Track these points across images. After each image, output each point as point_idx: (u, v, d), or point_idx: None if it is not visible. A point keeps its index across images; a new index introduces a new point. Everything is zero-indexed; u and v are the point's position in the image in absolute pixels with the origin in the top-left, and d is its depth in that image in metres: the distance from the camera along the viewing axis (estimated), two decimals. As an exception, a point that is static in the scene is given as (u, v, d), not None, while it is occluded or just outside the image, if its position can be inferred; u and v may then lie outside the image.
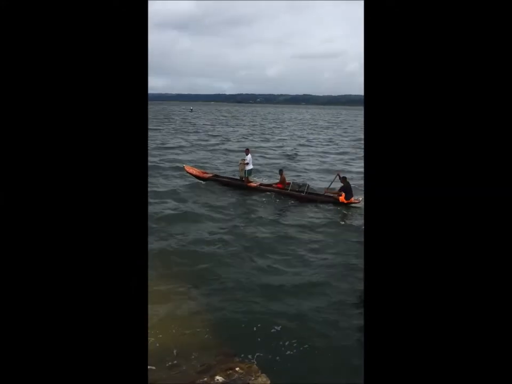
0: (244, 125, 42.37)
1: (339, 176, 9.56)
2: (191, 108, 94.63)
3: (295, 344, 3.81)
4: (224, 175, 11.63)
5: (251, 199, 9.52)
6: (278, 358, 3.64)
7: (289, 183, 10.05)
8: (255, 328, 4.05)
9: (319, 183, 11.46)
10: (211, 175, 11.27)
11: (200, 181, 10.97)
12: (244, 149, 11.61)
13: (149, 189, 9.04)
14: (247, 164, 10.47)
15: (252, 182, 10.61)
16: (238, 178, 10.82)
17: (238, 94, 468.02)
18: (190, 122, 44.60)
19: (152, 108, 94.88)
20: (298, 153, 19.10)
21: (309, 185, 9.81)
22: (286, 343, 3.82)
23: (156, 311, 4.07)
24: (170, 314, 4.27)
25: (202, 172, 11.44)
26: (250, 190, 10.19)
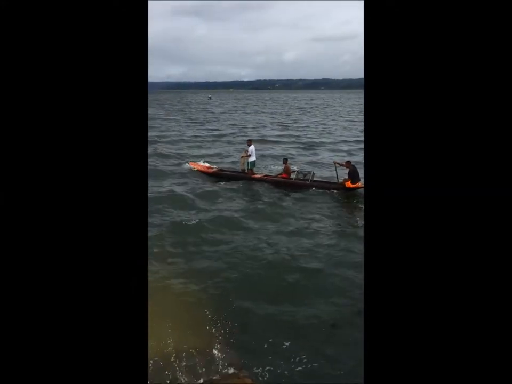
0: (263, 112, 41.67)
1: (338, 164, 9.40)
2: (210, 95, 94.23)
3: (304, 360, 3.58)
4: (229, 169, 11.62)
5: (256, 193, 9.41)
6: (286, 376, 3.43)
7: (294, 171, 9.99)
8: (265, 345, 3.81)
9: (331, 172, 11.21)
10: (216, 169, 11.32)
11: (205, 176, 11.00)
12: (247, 140, 11.63)
13: (155, 188, 9.26)
14: (250, 155, 10.43)
15: (256, 173, 10.55)
16: (242, 170, 10.78)
17: (256, 80, 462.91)
18: (208, 111, 44.04)
19: (170, 97, 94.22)
20: (317, 142, 18.54)
21: (313, 173, 9.71)
22: (296, 359, 3.61)
23: (158, 317, 3.76)
24: (173, 321, 4.04)
25: (207, 167, 11.52)
26: (255, 181, 10.15)
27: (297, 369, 3.50)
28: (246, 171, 10.52)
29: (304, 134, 22.00)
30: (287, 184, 9.68)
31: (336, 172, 9.53)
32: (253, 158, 10.55)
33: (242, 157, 10.84)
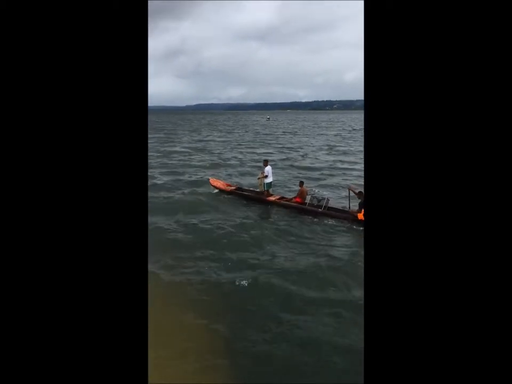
0: (321, 135, 39.38)
1: (353, 191, 8.81)
2: (268, 116, 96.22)
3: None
4: (247, 188, 11.50)
5: (267, 218, 9.11)
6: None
7: (310, 195, 9.71)
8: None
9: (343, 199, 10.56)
10: (234, 188, 11.37)
11: (224, 194, 11.05)
12: (262, 161, 11.21)
13: (166, 206, 9.44)
14: (266, 176, 10.12)
15: (271, 195, 10.32)
16: (259, 191, 10.58)
17: (314, 101, 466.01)
18: (263, 133, 42.53)
19: (227, 118, 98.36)
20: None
21: (328, 199, 9.27)
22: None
23: (163, 346, 3.76)
24: (176, 348, 3.93)
25: (226, 185, 11.63)
26: (269, 204, 9.95)
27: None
28: (264, 192, 10.29)
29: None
30: (299, 209, 9.36)
31: (349, 198, 8.97)
32: (269, 179, 10.19)
33: (259, 178, 10.64)
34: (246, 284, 5.43)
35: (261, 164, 11.76)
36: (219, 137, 35.54)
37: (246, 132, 43.80)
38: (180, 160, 18.69)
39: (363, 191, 8.46)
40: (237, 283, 5.47)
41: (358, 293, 5.05)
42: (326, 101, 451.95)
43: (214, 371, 3.60)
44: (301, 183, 10.07)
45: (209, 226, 8.18)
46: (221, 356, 3.74)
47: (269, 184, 10.29)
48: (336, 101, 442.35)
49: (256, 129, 48.51)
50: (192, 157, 19.85)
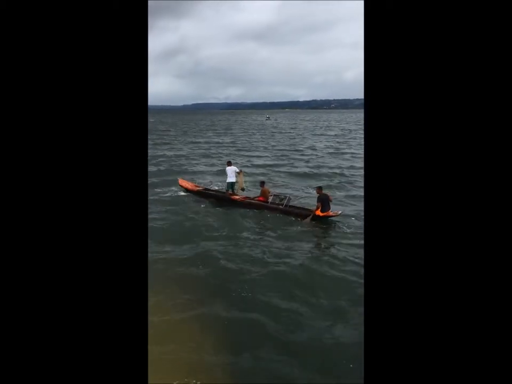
0: (319, 135, 37.65)
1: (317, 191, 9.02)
2: (268, 116, 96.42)
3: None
4: (214, 189, 11.83)
5: (231, 215, 9.32)
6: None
7: (272, 195, 9.92)
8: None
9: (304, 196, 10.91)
10: (201, 188, 11.66)
11: (191, 195, 11.22)
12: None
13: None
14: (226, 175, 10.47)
15: (236, 195, 10.48)
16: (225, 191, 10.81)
17: (312, 100, 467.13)
18: (261, 133, 41.22)
19: (226, 118, 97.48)
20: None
21: (289, 198, 9.59)
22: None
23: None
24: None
25: (194, 185, 11.89)
26: (233, 203, 10.10)
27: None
28: (227, 192, 10.48)
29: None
30: (262, 207, 9.61)
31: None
32: (231, 180, 10.36)
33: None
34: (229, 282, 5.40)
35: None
36: (216, 135, 34.81)
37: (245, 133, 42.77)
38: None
39: (322, 188, 8.61)
40: (202, 271, 5.59)
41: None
42: (324, 100, 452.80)
43: (213, 371, 3.59)
44: (262, 183, 10.25)
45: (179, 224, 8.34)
46: (221, 356, 3.76)
47: (230, 184, 10.43)
48: (334, 100, 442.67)
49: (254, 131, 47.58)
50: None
